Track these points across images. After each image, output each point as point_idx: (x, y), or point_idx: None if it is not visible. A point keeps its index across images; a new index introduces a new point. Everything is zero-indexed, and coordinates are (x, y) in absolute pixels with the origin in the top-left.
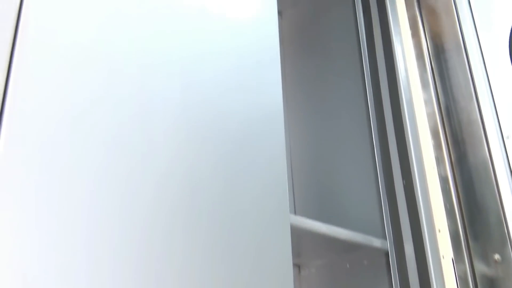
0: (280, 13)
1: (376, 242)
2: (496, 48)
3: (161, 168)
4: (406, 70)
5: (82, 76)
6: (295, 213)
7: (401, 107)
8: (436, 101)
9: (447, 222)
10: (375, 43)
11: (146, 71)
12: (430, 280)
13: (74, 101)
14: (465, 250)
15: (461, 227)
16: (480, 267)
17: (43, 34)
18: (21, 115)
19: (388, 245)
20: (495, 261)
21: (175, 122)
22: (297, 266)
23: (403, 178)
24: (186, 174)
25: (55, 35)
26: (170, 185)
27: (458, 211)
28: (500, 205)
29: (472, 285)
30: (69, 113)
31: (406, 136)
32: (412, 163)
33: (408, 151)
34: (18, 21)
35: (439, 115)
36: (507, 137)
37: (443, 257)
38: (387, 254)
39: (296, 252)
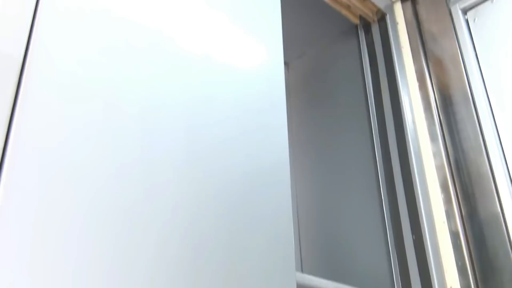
0: (286, 64)
1: None
2: (504, 99)
3: (162, 221)
4: (414, 122)
5: (82, 116)
6: (302, 270)
7: (410, 160)
8: (445, 154)
9: (459, 280)
10: (382, 95)
11: (148, 115)
12: None
13: (72, 143)
14: None
15: (474, 285)
16: None
17: (46, 72)
18: (20, 159)
19: None
20: None
21: (177, 172)
22: None
23: (412, 233)
24: (188, 229)
25: (56, 72)
26: (171, 239)
27: (470, 268)
28: None
29: None
30: (67, 157)
31: (415, 189)
32: (422, 217)
33: (418, 205)
34: (25, 61)
35: (448, 168)
36: None
37: None
38: None
39: None
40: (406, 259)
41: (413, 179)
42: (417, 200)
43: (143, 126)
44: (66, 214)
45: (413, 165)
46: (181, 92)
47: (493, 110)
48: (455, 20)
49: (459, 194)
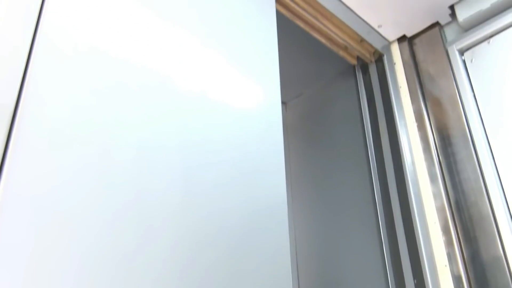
0: (284, 103)
1: None
2: (504, 140)
3: (158, 268)
4: (413, 163)
5: (75, 162)
6: None
7: (409, 201)
8: (445, 195)
9: None
10: (381, 135)
11: (143, 159)
12: None
13: (66, 189)
14: None
15: None
16: None
17: (38, 117)
18: (12, 206)
19: None
20: None
21: (173, 217)
22: None
23: (414, 277)
24: (185, 275)
25: (49, 117)
26: (167, 286)
27: None
28: None
29: None
30: (61, 203)
31: (415, 231)
32: (423, 260)
33: (419, 248)
34: (17, 107)
35: (449, 210)
36: None
37: None
38: None
39: None
40: None
41: (413, 221)
42: (418, 243)
43: (137, 170)
44: (59, 262)
45: (413, 206)
46: (177, 134)
47: (492, 151)
48: (452, 61)
49: (460, 236)
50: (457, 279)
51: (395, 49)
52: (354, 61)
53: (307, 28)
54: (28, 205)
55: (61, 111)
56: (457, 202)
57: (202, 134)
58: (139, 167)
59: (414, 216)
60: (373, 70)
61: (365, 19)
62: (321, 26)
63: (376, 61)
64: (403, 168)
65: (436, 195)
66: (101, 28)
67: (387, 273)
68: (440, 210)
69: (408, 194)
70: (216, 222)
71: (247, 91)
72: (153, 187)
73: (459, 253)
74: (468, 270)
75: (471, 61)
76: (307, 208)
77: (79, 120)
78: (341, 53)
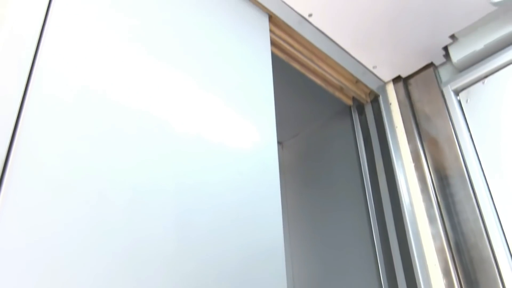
0: (281, 143)
1: None
2: (502, 181)
3: None
4: (411, 204)
5: (68, 210)
6: None
7: (409, 242)
8: (444, 236)
9: None
10: (378, 175)
11: (137, 205)
12: None
13: (58, 238)
14: None
15: None
16: None
17: (31, 165)
18: (9, 253)
19: None
20: None
21: (167, 263)
22: None
23: None
24: None
25: (41, 164)
26: None
27: None
28: None
29: None
30: (53, 253)
31: (415, 273)
32: None
33: None
34: (8, 156)
35: (449, 251)
36: None
37: None
38: None
39: None
40: None
41: (413, 263)
42: (418, 285)
43: (132, 216)
44: None
45: (412, 247)
46: (172, 178)
47: (491, 191)
48: (447, 101)
49: (461, 279)
50: None
51: (391, 89)
52: (350, 102)
53: (302, 70)
54: (23, 254)
55: (54, 158)
56: (457, 244)
57: (198, 177)
58: (134, 213)
59: (414, 258)
60: (369, 110)
61: (360, 60)
62: (316, 68)
63: (372, 101)
64: (401, 208)
65: (436, 236)
66: (96, 71)
67: None
68: (440, 252)
69: (407, 234)
70: (212, 268)
71: (243, 132)
72: (148, 232)
73: None
74: None
75: (467, 101)
76: (305, 248)
77: (73, 166)
78: (337, 93)
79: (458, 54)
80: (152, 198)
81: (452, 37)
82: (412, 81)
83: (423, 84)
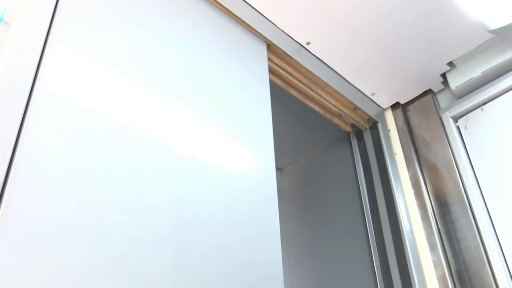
0: (280, 169)
1: None
2: (502, 207)
3: None
4: (412, 232)
5: (65, 222)
6: None
7: (410, 270)
8: (446, 264)
9: None
10: (378, 202)
11: (132, 231)
12: None
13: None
14: None
15: None
16: None
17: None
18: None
19: None
20: None
21: (163, 284)
22: None
23: None
24: None
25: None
26: None
27: None
28: None
29: None
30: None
31: None
32: None
33: None
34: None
35: (450, 280)
36: None
37: None
38: None
39: None
40: None
41: None
42: None
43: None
44: None
45: (413, 275)
46: (168, 219)
47: (492, 218)
48: (446, 128)
49: None
50: None
51: (389, 116)
52: (348, 128)
53: (301, 97)
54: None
55: (55, 171)
56: (459, 272)
57: (194, 206)
58: (128, 240)
59: (415, 286)
60: (368, 137)
61: (358, 87)
62: (315, 95)
63: (370, 128)
64: (402, 235)
65: (437, 264)
66: (100, 99)
67: None
68: (442, 280)
69: (408, 262)
70: None
71: (242, 159)
72: (142, 264)
73: None
74: None
75: (466, 127)
76: (305, 276)
77: (72, 175)
78: (336, 120)
79: (456, 81)
80: (145, 244)
81: (450, 64)
82: (411, 107)
83: (421, 111)
